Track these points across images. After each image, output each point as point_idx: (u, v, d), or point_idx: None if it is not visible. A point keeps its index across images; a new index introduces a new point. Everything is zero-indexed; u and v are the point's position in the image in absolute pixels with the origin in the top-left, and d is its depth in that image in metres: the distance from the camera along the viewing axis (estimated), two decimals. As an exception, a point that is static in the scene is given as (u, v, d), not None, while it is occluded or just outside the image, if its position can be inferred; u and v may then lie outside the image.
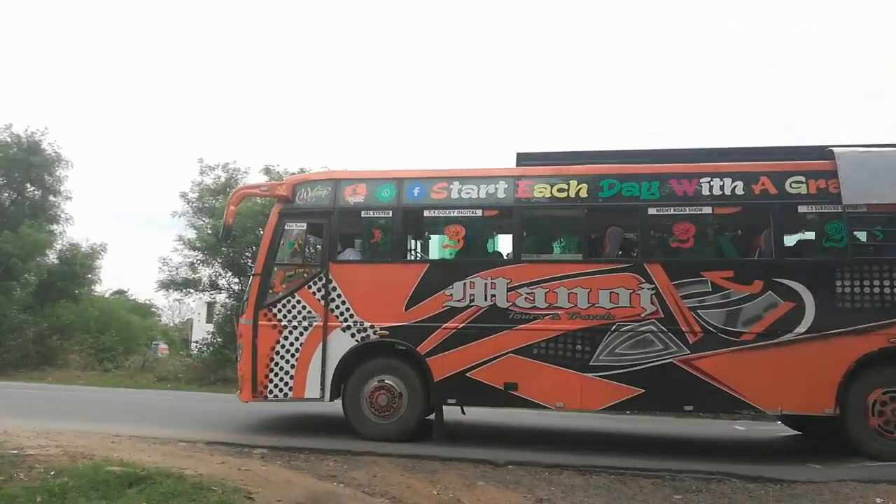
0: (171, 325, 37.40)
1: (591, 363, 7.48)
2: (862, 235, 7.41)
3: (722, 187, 7.59)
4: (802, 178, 7.49)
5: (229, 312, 18.52)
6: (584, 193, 7.83)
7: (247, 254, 17.48)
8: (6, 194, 22.65)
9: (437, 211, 8.07)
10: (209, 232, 17.89)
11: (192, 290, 19.42)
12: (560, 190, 7.87)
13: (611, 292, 7.52)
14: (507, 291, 7.67)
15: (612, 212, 7.88)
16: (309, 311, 7.98)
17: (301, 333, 7.97)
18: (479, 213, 7.97)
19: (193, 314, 32.85)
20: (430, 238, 8.92)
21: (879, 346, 7.06)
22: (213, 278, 19.12)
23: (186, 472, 5.36)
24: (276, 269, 8.21)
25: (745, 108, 68.93)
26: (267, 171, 18.28)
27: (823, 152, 7.66)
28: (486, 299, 7.70)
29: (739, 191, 7.56)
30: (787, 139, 62.24)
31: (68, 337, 21.46)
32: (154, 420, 9.07)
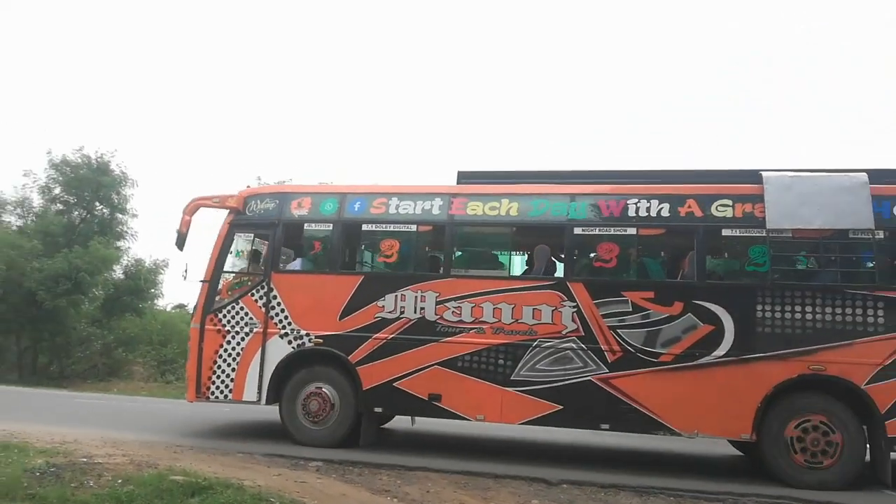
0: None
1: (512, 378, 7.61)
2: (785, 260, 7.33)
3: (648, 209, 7.65)
4: (729, 202, 7.49)
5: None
6: (514, 212, 8.00)
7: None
8: (77, 212, 23.88)
9: (374, 225, 8.37)
10: None
11: None
12: (492, 208, 8.06)
13: (534, 309, 7.64)
14: (436, 305, 7.88)
15: (540, 230, 8.01)
16: (251, 318, 8.36)
17: (243, 339, 8.35)
18: (413, 228, 8.23)
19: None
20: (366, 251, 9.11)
21: (799, 372, 6.98)
22: None
23: (245, 483, 5.53)
24: (223, 276, 8.62)
25: (746, 108, 67.27)
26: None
27: (756, 176, 7.65)
28: (415, 312, 7.92)
29: (665, 213, 7.60)
30: (786, 140, 60.44)
31: (133, 349, 22.36)
32: (213, 431, 9.21)
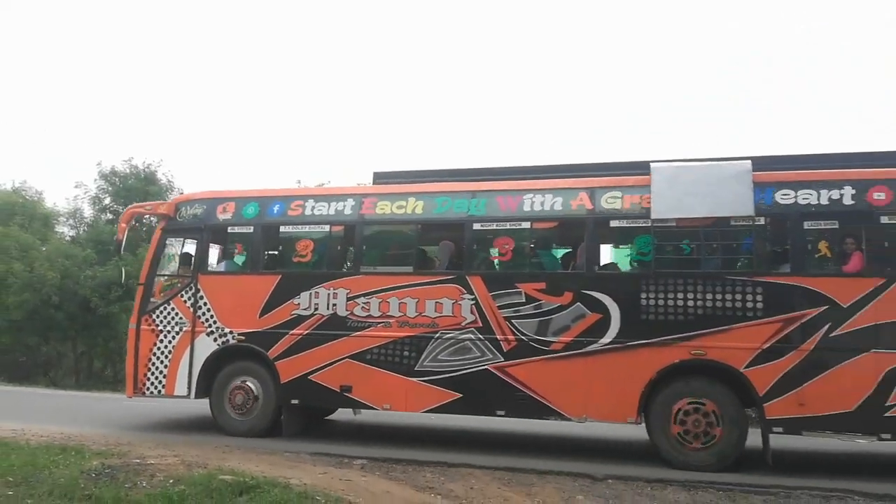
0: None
1: (416, 368, 7.97)
2: (668, 249, 7.53)
3: (542, 203, 7.91)
4: (619, 194, 7.71)
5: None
6: (419, 210, 8.33)
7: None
8: None
9: (291, 227, 8.79)
10: None
11: None
12: (399, 207, 8.41)
13: (436, 302, 7.98)
14: (347, 301, 8.27)
15: (443, 227, 8.33)
16: (181, 318, 8.87)
17: (174, 337, 8.87)
18: (327, 228, 8.63)
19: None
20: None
21: (681, 357, 7.20)
22: None
23: (292, 481, 5.61)
24: (157, 279, 9.15)
25: (746, 107, 65.87)
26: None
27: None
28: (328, 308, 8.33)
29: (558, 206, 7.86)
30: (786, 140, 59.33)
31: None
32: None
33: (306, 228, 8.70)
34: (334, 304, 8.31)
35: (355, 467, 6.88)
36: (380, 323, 8.14)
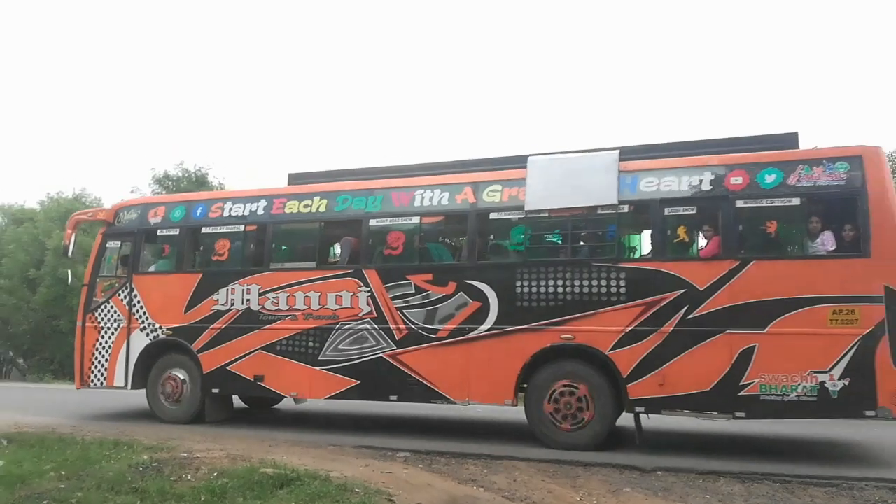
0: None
1: (319, 358, 8.52)
2: (540, 239, 7.87)
3: (431, 199, 8.33)
4: (499, 187, 8.08)
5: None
6: (322, 208, 8.85)
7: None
8: None
9: (211, 227, 9.42)
10: None
11: None
12: (305, 206, 8.95)
13: (337, 295, 8.51)
14: (259, 296, 8.88)
15: (343, 224, 8.83)
16: (118, 315, 9.62)
17: (112, 333, 9.63)
18: (241, 228, 9.23)
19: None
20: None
21: (552, 342, 7.56)
22: None
23: (332, 474, 5.63)
24: (98, 280, 9.93)
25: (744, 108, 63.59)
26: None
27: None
28: (242, 303, 8.95)
29: (444, 201, 8.27)
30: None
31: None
32: (308, 423, 9.65)
33: (224, 229, 9.32)
34: (248, 300, 8.92)
35: (398, 460, 6.86)
36: (287, 316, 8.72)
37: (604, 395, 7.38)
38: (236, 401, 10.26)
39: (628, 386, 7.24)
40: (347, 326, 8.42)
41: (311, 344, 8.59)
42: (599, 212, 7.61)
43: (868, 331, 6.51)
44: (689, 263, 7.23)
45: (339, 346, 8.45)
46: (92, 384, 9.71)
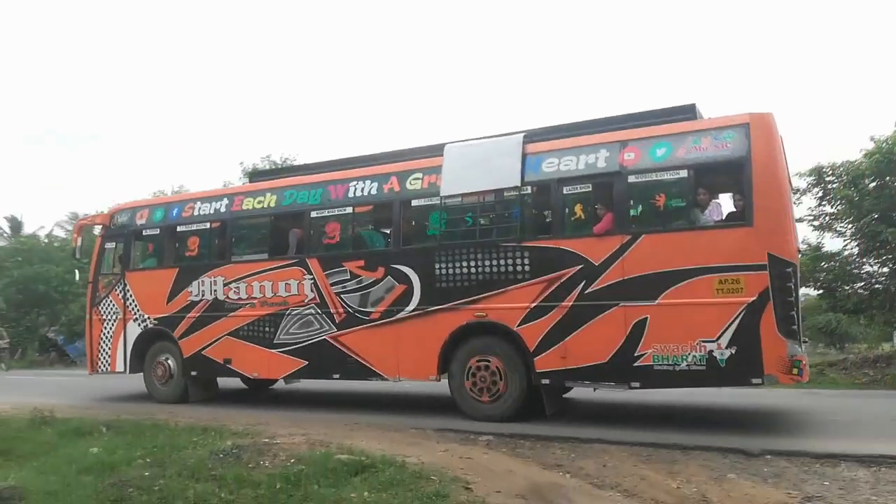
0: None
1: (274, 341, 9.29)
2: (454, 222, 8.22)
3: (363, 189, 8.85)
4: (420, 175, 8.49)
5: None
6: (272, 203, 9.57)
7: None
8: None
9: (184, 226, 10.35)
10: None
11: None
12: (259, 202, 9.70)
13: (286, 283, 9.22)
14: (223, 287, 9.74)
15: (290, 217, 9.49)
16: (116, 308, 10.79)
17: (112, 325, 10.82)
18: (208, 225, 10.10)
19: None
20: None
21: (467, 320, 7.96)
22: None
23: (409, 460, 5.49)
24: (100, 278, 11.13)
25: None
26: None
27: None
28: (211, 294, 9.85)
29: (374, 191, 8.77)
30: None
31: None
32: (390, 406, 9.65)
33: (195, 227, 10.22)
34: (215, 290, 9.80)
35: (480, 444, 6.66)
36: (247, 304, 9.53)
37: (516, 369, 7.71)
38: (236, 382, 11.12)
39: (535, 359, 7.55)
40: (296, 312, 9.12)
41: (267, 329, 9.36)
42: (505, 194, 7.89)
43: (753, 299, 6.54)
44: (586, 240, 7.40)
45: (290, 330, 9.18)
46: (100, 370, 10.97)
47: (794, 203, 7.45)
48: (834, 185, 12.95)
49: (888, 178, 12.28)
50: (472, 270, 7.94)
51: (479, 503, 4.55)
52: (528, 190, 7.80)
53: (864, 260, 13.24)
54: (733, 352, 6.61)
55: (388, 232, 9.09)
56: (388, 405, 9.82)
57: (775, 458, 5.82)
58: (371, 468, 5.20)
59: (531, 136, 8.07)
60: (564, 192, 7.59)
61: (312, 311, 9.00)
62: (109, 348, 10.84)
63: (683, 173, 7.01)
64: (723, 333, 6.64)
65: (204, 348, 9.89)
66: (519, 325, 7.64)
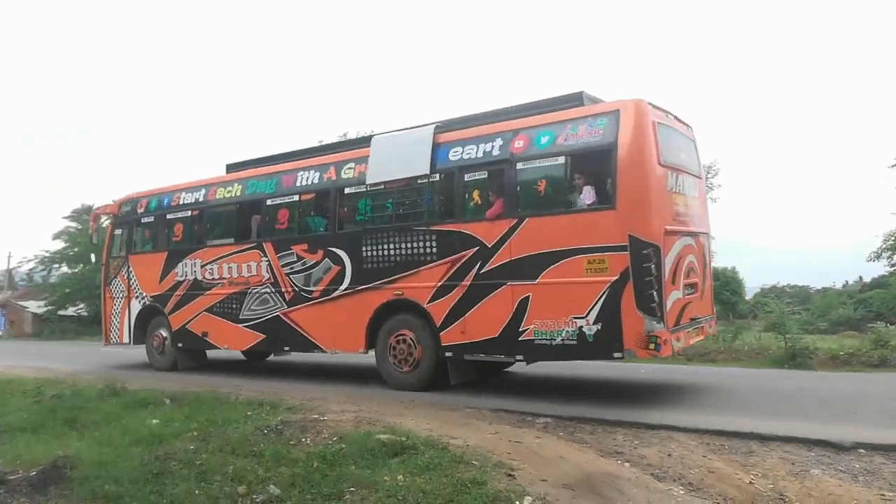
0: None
1: (239, 317, 10.38)
2: (377, 208, 8.93)
3: (307, 179, 9.72)
4: (353, 165, 9.25)
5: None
6: (238, 193, 10.61)
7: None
8: None
9: (172, 214, 11.59)
10: None
11: None
12: (228, 191, 10.77)
13: (247, 265, 10.27)
14: (201, 268, 10.92)
15: (252, 204, 10.47)
16: (122, 287, 12.24)
17: (120, 302, 12.29)
18: (189, 213, 11.29)
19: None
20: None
21: (388, 298, 8.71)
22: None
23: (454, 442, 5.32)
24: (111, 260, 12.62)
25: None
26: None
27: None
28: (192, 274, 11.06)
29: (315, 180, 9.62)
30: None
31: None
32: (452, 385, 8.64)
33: (180, 214, 11.44)
34: (195, 271, 11.00)
35: (536, 426, 6.34)
36: (219, 283, 10.66)
37: (427, 342, 8.41)
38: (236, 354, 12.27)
39: (441, 334, 8.22)
40: (256, 290, 10.15)
41: (234, 306, 10.46)
42: (418, 181, 8.54)
43: (615, 278, 6.94)
44: (482, 223, 7.94)
45: (251, 307, 10.23)
46: (112, 342, 12.49)
47: (680, 187, 7.67)
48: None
49: None
50: (392, 253, 8.67)
51: (519, 493, 4.25)
52: (437, 177, 8.40)
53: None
54: (599, 327, 7.04)
55: (327, 217, 9.91)
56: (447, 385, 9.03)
57: (870, 452, 5.16)
58: (411, 450, 5.04)
59: (443, 127, 8.64)
60: (465, 179, 8.15)
61: (268, 290, 10.00)
62: (118, 323, 12.32)
63: (561, 160, 7.45)
64: (590, 310, 7.08)
65: (187, 323, 11.13)
66: (428, 303, 8.31)
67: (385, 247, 8.73)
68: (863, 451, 5.24)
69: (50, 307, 35.12)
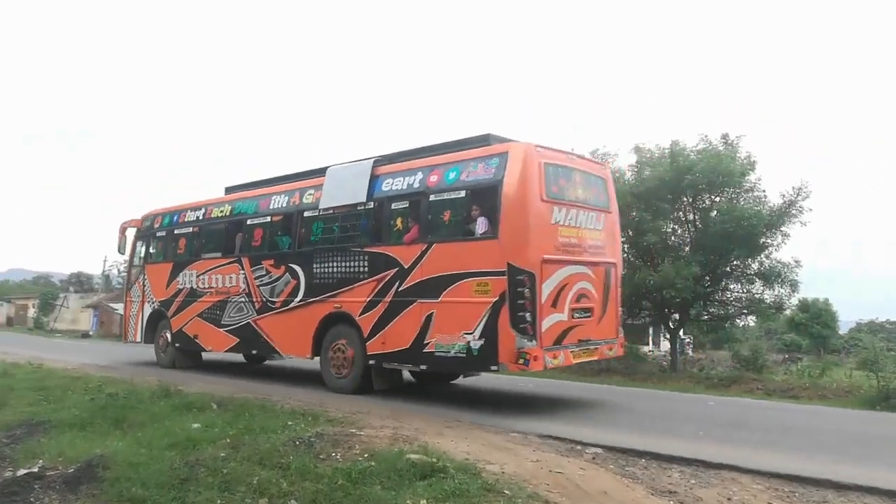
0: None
1: (221, 322, 11.81)
2: (326, 230, 10.13)
3: (278, 202, 11.08)
4: (312, 191, 10.52)
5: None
6: (227, 213, 12.11)
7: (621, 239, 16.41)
8: None
9: (178, 229, 13.24)
10: None
11: None
12: (221, 211, 12.29)
13: (229, 276, 11.71)
14: (196, 278, 12.46)
15: (236, 223, 11.90)
16: (139, 293, 14.00)
17: (137, 305, 14.06)
18: (190, 229, 12.90)
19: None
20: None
21: (330, 310, 9.88)
22: None
23: (490, 467, 5.11)
24: (132, 269, 14.43)
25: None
26: (637, 149, 16.81)
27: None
28: (189, 283, 12.62)
29: (284, 204, 10.95)
30: None
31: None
32: (505, 405, 9.10)
33: (183, 230, 13.08)
34: (191, 281, 12.55)
35: (584, 456, 5.98)
36: (208, 292, 12.15)
37: (358, 351, 9.49)
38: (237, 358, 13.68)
39: (367, 344, 9.28)
40: (234, 299, 11.55)
41: (218, 312, 11.90)
42: (357, 208, 9.70)
43: (496, 299, 7.82)
44: (401, 247, 8.98)
45: (231, 314, 11.63)
46: (129, 340, 14.27)
47: (572, 220, 8.49)
48: None
49: None
50: (335, 270, 9.84)
51: None
52: (371, 205, 9.52)
53: None
54: (482, 342, 7.92)
55: (291, 237, 11.19)
56: (501, 404, 9.40)
57: None
58: (440, 473, 4.81)
59: (383, 160, 9.78)
60: (392, 207, 9.25)
61: (243, 299, 11.37)
62: (135, 323, 14.06)
63: (463, 193, 8.43)
64: (476, 327, 7.97)
65: (184, 326, 12.67)
66: (359, 316, 9.39)
67: (330, 265, 9.91)
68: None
69: None
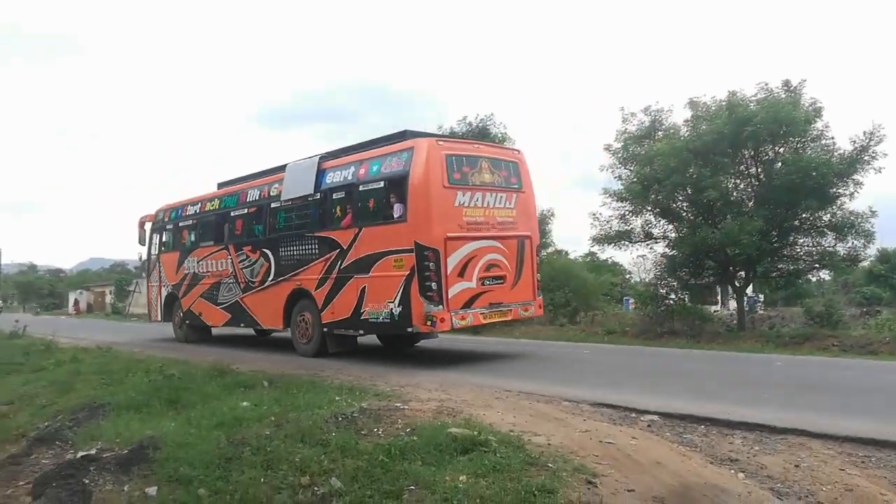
0: (639, 280, 29.24)
1: (217, 301, 13.68)
2: (287, 218, 11.73)
3: (252, 195, 12.76)
4: (277, 185, 12.13)
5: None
6: (217, 206, 13.88)
7: (679, 198, 16.58)
8: None
9: (181, 222, 15.15)
10: (634, 181, 16.67)
11: (626, 243, 17.72)
12: (212, 205, 14.09)
13: (221, 261, 13.52)
14: (197, 263, 14.36)
15: (223, 215, 13.64)
16: (156, 278, 16.07)
17: (156, 289, 16.15)
18: (191, 221, 14.77)
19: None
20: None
21: (293, 288, 11.53)
22: (646, 228, 17.47)
23: (536, 439, 4.86)
24: (150, 257, 16.51)
25: None
26: (692, 103, 16.40)
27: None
28: (192, 268, 14.53)
29: (257, 197, 12.62)
30: None
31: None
32: (549, 375, 8.88)
33: (187, 223, 14.97)
34: (193, 266, 14.46)
35: (639, 425, 5.72)
36: (207, 275, 14.03)
37: (317, 320, 11.14)
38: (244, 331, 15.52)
39: (321, 314, 10.91)
40: (226, 281, 13.37)
41: (214, 292, 13.76)
42: (308, 199, 11.26)
43: (408, 273, 9.28)
44: (341, 231, 10.50)
45: (224, 294, 13.47)
46: (153, 319, 16.43)
47: (477, 202, 9.78)
48: None
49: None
50: (295, 253, 11.47)
51: None
52: (318, 196, 11.06)
53: None
54: (401, 309, 9.41)
55: (263, 226, 12.84)
56: (558, 372, 9.35)
57: None
58: (482, 447, 4.61)
59: (328, 156, 11.27)
60: (333, 197, 10.76)
61: (232, 281, 13.17)
62: (157, 304, 16.17)
63: (382, 184, 9.86)
64: (396, 296, 9.46)
65: (191, 305, 14.63)
66: (315, 290, 11.00)
67: (291, 248, 11.54)
68: None
69: None
